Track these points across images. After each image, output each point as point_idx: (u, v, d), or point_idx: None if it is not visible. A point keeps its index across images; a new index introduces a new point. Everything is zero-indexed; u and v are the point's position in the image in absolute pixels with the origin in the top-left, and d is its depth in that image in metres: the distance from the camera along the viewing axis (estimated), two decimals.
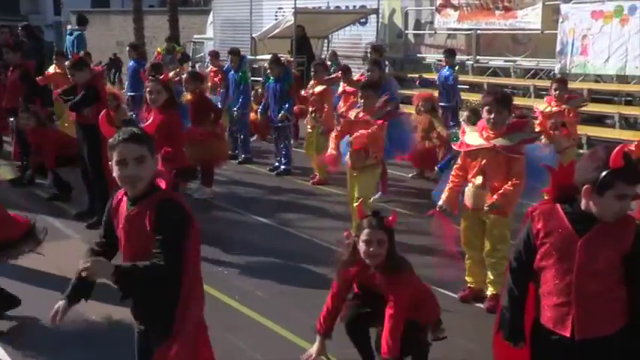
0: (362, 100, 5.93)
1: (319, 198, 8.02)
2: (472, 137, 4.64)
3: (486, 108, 4.53)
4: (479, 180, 4.55)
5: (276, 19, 16.69)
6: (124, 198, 2.74)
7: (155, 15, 25.31)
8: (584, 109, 11.64)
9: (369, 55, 12.81)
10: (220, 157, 7.96)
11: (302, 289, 5.25)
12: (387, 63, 14.57)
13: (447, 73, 10.21)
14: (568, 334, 2.58)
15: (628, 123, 11.11)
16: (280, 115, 8.85)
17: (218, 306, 4.97)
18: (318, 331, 3.91)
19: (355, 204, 5.76)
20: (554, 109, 7.11)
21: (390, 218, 3.64)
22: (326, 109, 8.41)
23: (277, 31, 15.53)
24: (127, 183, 2.68)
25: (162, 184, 2.71)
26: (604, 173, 2.47)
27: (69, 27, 14.44)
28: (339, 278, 3.73)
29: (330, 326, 3.84)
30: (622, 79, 11.78)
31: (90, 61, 9.91)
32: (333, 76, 9.27)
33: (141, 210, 2.65)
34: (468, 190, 4.65)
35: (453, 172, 4.75)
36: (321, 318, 3.88)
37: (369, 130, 5.79)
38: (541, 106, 7.35)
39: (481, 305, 4.78)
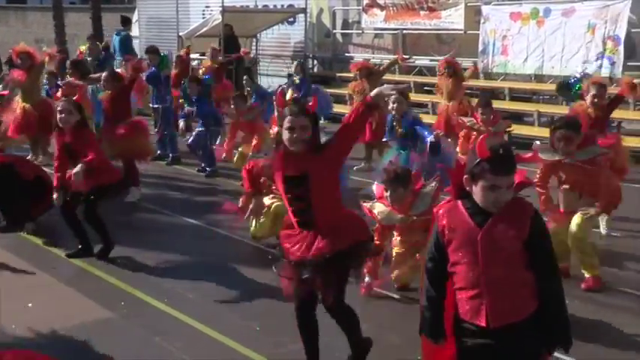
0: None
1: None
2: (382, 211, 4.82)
3: (384, 187, 4.78)
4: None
5: (203, 18, 16.49)
6: None
7: (76, 12, 24.49)
8: (505, 107, 12.16)
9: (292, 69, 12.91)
10: (142, 152, 7.81)
11: (233, 291, 5.22)
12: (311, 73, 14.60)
13: None
14: (484, 324, 2.67)
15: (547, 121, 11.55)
16: None
17: (146, 309, 4.90)
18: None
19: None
20: (482, 128, 7.24)
21: (311, 104, 3.65)
22: (255, 142, 8.42)
23: (205, 29, 15.35)
24: None
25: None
26: (474, 164, 2.61)
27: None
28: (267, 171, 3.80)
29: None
30: (540, 78, 12.28)
31: None
32: (254, 105, 9.01)
33: None
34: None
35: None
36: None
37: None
38: (466, 119, 7.48)
39: (416, 304, 4.86)
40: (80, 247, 5.88)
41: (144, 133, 7.89)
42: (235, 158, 8.62)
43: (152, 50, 9.88)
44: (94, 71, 10.39)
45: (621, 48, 10.61)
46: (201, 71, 11.44)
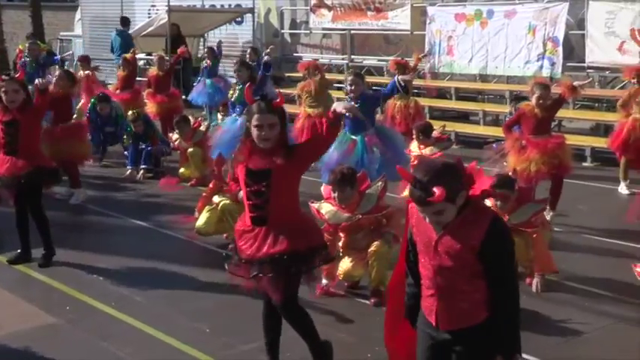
0: None
1: (198, 199, 7.88)
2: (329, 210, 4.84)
3: (331, 187, 4.80)
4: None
5: (149, 17, 16.24)
6: None
7: (15, 9, 23.75)
8: (452, 106, 12.39)
9: (247, 56, 12.83)
10: (81, 155, 7.69)
11: (182, 292, 5.16)
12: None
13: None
14: (434, 324, 2.73)
15: (492, 120, 11.81)
16: None
17: (93, 314, 4.80)
18: None
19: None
20: (425, 151, 7.09)
21: (278, 100, 3.64)
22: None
23: (151, 29, 15.12)
24: None
25: None
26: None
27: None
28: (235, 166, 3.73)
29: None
30: (484, 78, 12.54)
31: None
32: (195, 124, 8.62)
33: None
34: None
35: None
36: None
37: None
38: (412, 147, 7.41)
39: (367, 302, 4.89)
40: (19, 251, 5.72)
41: (82, 135, 7.76)
42: (183, 169, 8.49)
43: (103, 99, 9.54)
44: (35, 72, 10.08)
45: (560, 49, 10.94)
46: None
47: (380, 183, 4.97)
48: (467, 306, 2.66)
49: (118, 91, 10.80)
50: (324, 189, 5.06)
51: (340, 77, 13.53)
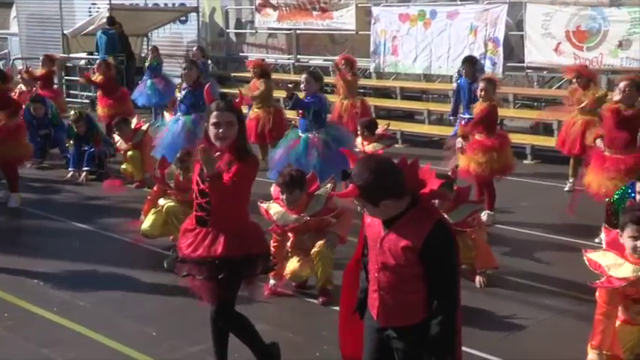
0: None
1: (142, 200, 7.75)
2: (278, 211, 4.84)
3: (279, 190, 4.81)
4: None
5: (90, 15, 15.89)
6: None
7: None
8: (397, 105, 12.54)
9: (190, 55, 12.68)
10: (21, 156, 7.44)
11: (127, 296, 5.07)
12: (210, 62, 14.51)
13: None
14: (375, 319, 2.77)
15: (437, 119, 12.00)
16: None
17: (33, 320, 4.67)
18: None
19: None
20: (368, 147, 7.10)
21: (237, 100, 3.62)
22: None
23: (92, 27, 14.80)
24: None
25: None
26: None
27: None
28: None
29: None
30: (428, 77, 12.75)
31: None
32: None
33: None
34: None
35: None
36: None
37: None
38: (356, 143, 7.42)
39: (315, 301, 4.88)
40: None
41: (21, 136, 7.48)
42: (125, 165, 8.35)
43: (37, 99, 9.27)
44: None
45: (501, 49, 11.23)
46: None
47: (329, 185, 5.00)
48: (406, 305, 2.69)
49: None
50: (274, 189, 5.05)
51: (286, 77, 13.55)
